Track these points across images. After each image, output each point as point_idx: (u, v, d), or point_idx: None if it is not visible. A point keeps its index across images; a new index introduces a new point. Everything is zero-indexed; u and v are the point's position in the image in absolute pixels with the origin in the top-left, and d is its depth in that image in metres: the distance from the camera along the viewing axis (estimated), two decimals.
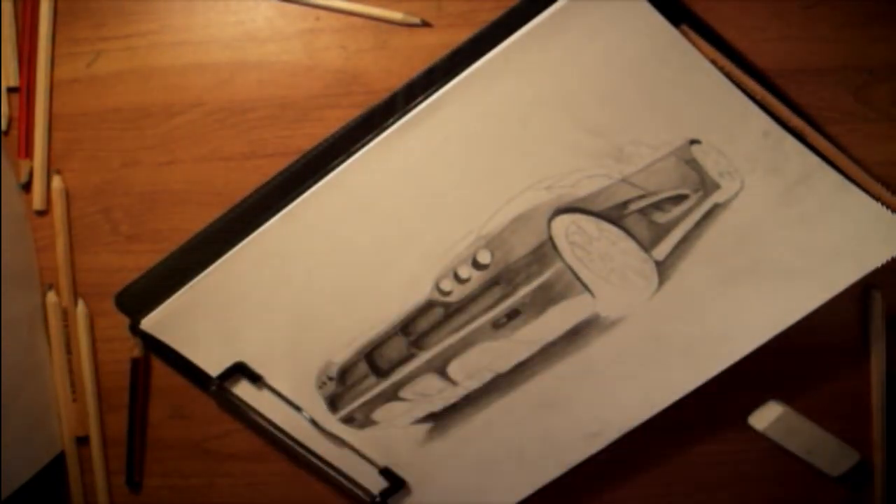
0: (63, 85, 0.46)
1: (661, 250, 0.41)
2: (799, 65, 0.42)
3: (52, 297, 0.46)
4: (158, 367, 0.46)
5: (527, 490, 0.44)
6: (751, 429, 0.44)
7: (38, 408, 0.46)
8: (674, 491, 0.45)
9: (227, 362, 0.44)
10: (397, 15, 0.43)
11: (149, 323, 0.44)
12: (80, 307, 0.46)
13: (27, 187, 0.46)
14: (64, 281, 0.46)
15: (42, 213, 0.46)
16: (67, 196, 0.46)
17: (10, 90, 0.46)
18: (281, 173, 0.43)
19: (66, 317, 0.46)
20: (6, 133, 0.46)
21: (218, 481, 0.47)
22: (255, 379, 0.44)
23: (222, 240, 0.43)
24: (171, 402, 0.46)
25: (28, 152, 0.46)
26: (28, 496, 0.44)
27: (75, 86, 0.46)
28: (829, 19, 0.42)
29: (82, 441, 0.47)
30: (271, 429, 0.44)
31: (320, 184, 0.42)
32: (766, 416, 0.43)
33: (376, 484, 0.44)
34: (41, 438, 0.46)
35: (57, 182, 0.46)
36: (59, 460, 0.47)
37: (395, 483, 0.44)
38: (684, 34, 0.40)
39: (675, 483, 0.45)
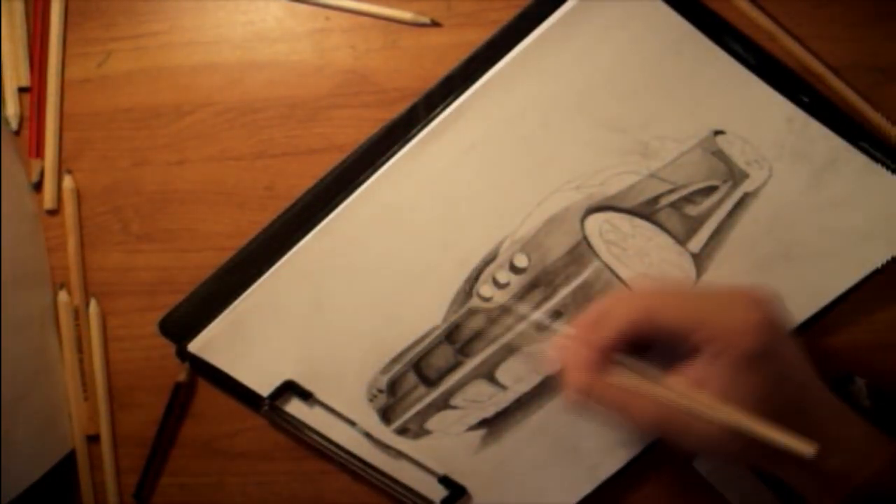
0: (74, 85, 0.46)
1: (696, 242, 0.41)
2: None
3: (63, 296, 0.46)
4: (170, 366, 0.46)
5: (585, 489, 0.43)
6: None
7: (50, 406, 0.46)
8: None
9: (275, 381, 0.44)
10: (407, 15, 0.43)
11: (195, 347, 0.44)
12: (93, 306, 0.46)
13: (38, 187, 0.46)
14: (75, 280, 0.46)
15: (53, 213, 0.47)
16: (78, 195, 0.46)
17: (22, 90, 0.46)
18: (310, 190, 0.43)
19: (78, 316, 0.46)
20: (18, 133, 0.46)
21: (227, 480, 0.47)
22: (306, 396, 0.44)
23: (260, 260, 0.43)
24: (180, 401, 0.46)
25: (39, 152, 0.46)
26: (39, 493, 0.44)
27: (86, 86, 0.46)
28: (840, 18, 0.42)
29: (93, 439, 0.47)
30: (328, 445, 0.44)
31: (350, 198, 0.42)
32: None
33: (437, 493, 0.44)
34: (52, 437, 0.46)
35: (68, 181, 0.46)
36: (70, 458, 0.47)
37: (456, 491, 0.44)
38: None
39: None
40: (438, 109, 0.42)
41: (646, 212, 0.42)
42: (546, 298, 0.42)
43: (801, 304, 0.41)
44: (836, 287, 0.41)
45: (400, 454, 0.44)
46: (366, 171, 0.43)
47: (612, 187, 0.41)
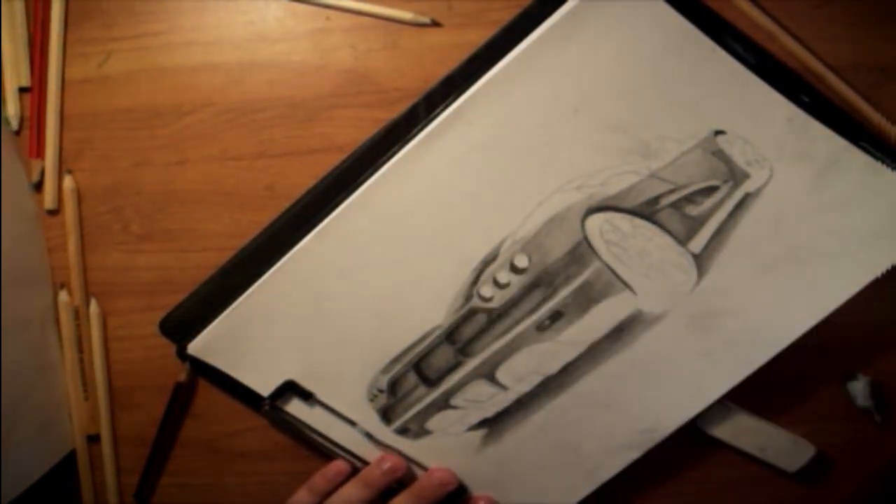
0: (74, 85, 0.46)
1: (697, 243, 0.41)
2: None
3: (63, 296, 0.46)
4: (171, 366, 0.46)
5: (585, 490, 0.43)
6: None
7: (50, 406, 0.46)
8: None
9: (276, 382, 0.44)
10: (407, 14, 0.43)
11: (195, 347, 0.44)
12: (93, 306, 0.46)
13: (38, 187, 0.46)
14: (75, 280, 0.46)
15: (53, 213, 0.47)
16: (79, 195, 0.46)
17: (22, 90, 0.46)
18: (310, 191, 0.43)
19: (78, 316, 0.46)
20: (18, 133, 0.46)
21: (228, 480, 0.47)
22: (306, 396, 0.44)
23: (260, 260, 0.43)
24: (180, 401, 0.46)
25: (40, 152, 0.46)
26: (40, 493, 0.44)
27: (87, 86, 0.46)
28: (839, 18, 0.42)
29: (93, 439, 0.47)
30: (328, 445, 0.44)
31: (350, 199, 0.42)
32: (715, 418, 0.43)
33: None
34: (53, 436, 0.46)
35: (68, 182, 0.46)
36: (70, 458, 0.47)
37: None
38: None
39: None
40: (439, 109, 0.42)
41: (646, 212, 0.41)
42: (546, 299, 0.42)
43: (810, 309, 0.41)
44: (845, 291, 0.41)
45: (400, 454, 0.44)
46: (366, 171, 0.42)
47: (613, 187, 0.41)
